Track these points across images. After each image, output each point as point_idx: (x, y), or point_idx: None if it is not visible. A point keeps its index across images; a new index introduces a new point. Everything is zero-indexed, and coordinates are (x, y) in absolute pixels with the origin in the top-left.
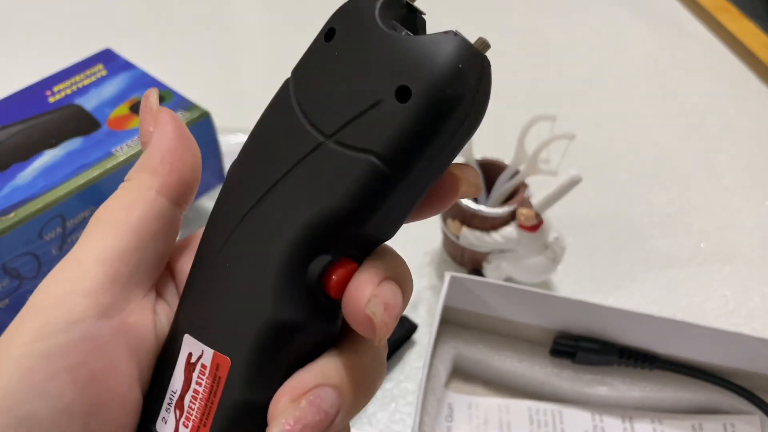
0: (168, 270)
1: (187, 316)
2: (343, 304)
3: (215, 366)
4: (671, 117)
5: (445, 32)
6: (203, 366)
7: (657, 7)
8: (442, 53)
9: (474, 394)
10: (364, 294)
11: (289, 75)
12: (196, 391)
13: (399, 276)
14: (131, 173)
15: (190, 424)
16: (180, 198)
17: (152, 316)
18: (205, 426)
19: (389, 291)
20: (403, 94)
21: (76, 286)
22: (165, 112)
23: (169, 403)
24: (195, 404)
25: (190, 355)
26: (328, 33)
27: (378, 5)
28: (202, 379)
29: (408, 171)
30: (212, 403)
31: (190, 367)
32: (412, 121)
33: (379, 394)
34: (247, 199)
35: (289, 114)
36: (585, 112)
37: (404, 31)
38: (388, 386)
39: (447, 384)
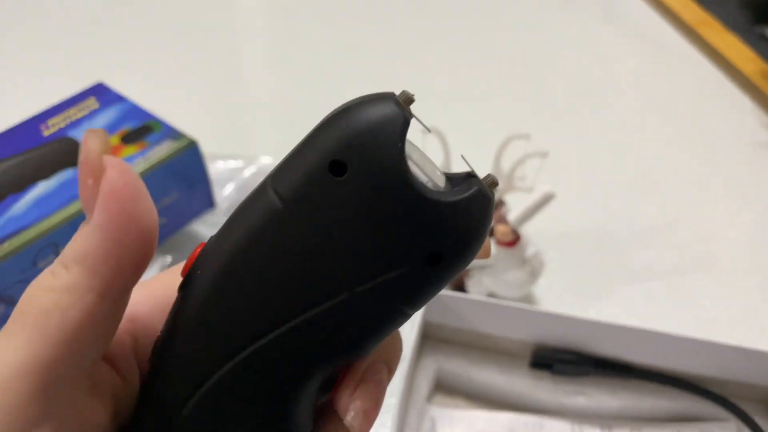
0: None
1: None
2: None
3: None
4: (652, 131)
5: (468, 180)
6: None
7: (638, 23)
8: (473, 220)
9: (456, 407)
10: (345, 404)
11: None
12: None
13: (385, 354)
14: (66, 255)
15: None
16: (127, 290)
17: (97, 409)
18: None
19: (368, 391)
20: (435, 259)
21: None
22: (111, 169)
23: None
24: None
25: None
26: (334, 165)
27: (402, 150)
28: None
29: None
30: None
31: None
32: (441, 281)
33: None
34: (257, 325)
35: (288, 252)
36: (568, 127)
37: (426, 179)
38: None
39: (429, 398)
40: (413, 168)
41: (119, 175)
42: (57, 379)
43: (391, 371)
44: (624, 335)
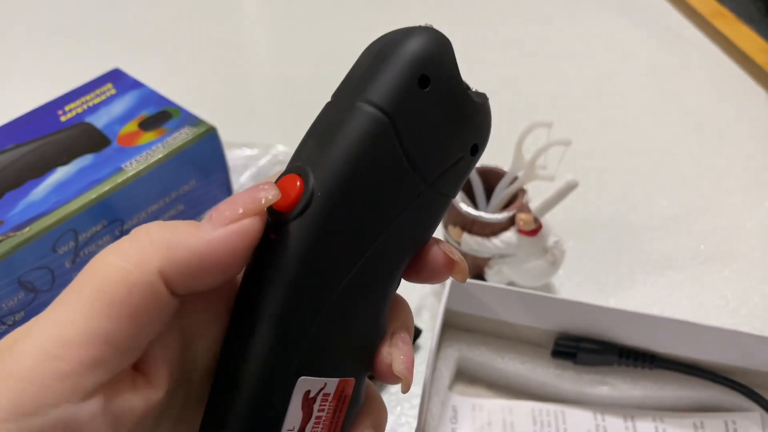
0: None
1: (291, 361)
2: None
3: (340, 390)
4: (670, 121)
5: (480, 94)
6: (325, 395)
7: (653, 14)
8: (488, 117)
9: (478, 396)
10: (390, 359)
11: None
12: (318, 418)
13: (406, 323)
14: (156, 233)
15: None
16: (184, 293)
17: (143, 400)
18: None
19: (406, 350)
20: (474, 150)
21: (55, 364)
22: (251, 224)
23: None
24: (318, 428)
25: (307, 392)
26: (422, 79)
27: (457, 66)
28: (324, 406)
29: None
30: (338, 418)
31: (308, 402)
32: (471, 169)
33: (385, 398)
34: (359, 242)
35: (395, 159)
36: (585, 118)
37: (470, 89)
38: (393, 390)
39: (451, 387)
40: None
41: (255, 229)
42: (111, 354)
43: (411, 337)
44: (647, 324)
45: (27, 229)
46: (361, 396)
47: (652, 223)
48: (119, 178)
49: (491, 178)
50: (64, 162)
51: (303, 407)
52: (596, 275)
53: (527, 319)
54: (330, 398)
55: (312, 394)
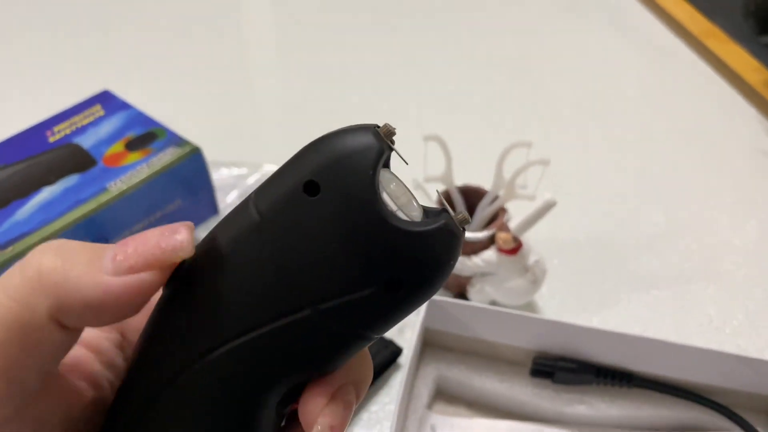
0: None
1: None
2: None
3: None
4: (657, 139)
5: (440, 214)
6: None
7: (644, 33)
8: (436, 252)
9: (457, 415)
10: (313, 417)
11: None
12: None
13: (355, 377)
14: (50, 267)
15: None
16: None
17: (59, 409)
18: None
19: (337, 410)
20: (395, 285)
21: None
22: (151, 280)
23: None
24: None
25: None
26: (308, 186)
27: (373, 177)
28: None
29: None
30: None
31: None
32: (402, 309)
33: (364, 416)
34: (215, 335)
35: (262, 269)
36: (572, 135)
37: (396, 209)
38: (374, 408)
39: (430, 405)
40: (385, 197)
41: (153, 286)
42: (22, 383)
43: (359, 395)
44: (625, 343)
45: (10, 248)
46: None
47: (637, 241)
48: (104, 198)
49: (473, 196)
50: (51, 182)
51: None
52: (580, 293)
53: (506, 337)
54: None
55: None
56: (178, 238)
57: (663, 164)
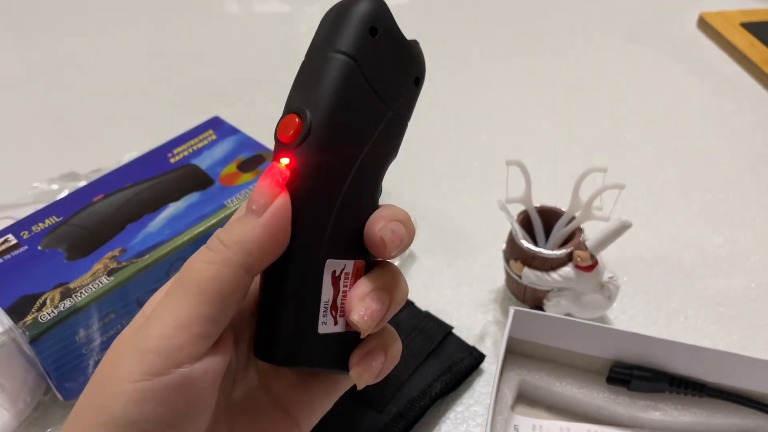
0: None
1: (317, 251)
2: (365, 231)
3: (356, 270)
4: (722, 164)
5: (413, 41)
6: (346, 273)
7: (706, 61)
8: (422, 57)
9: (538, 417)
10: (377, 224)
11: None
12: (344, 292)
13: (402, 217)
14: (226, 237)
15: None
16: (258, 272)
17: (228, 353)
18: None
19: (396, 224)
20: (417, 81)
21: (174, 341)
22: (282, 201)
23: (324, 310)
24: (345, 299)
25: (333, 272)
26: (372, 30)
27: (393, 17)
28: (348, 281)
29: None
30: None
31: (335, 279)
32: (418, 95)
33: (451, 415)
34: (350, 156)
35: (365, 91)
36: (639, 160)
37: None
38: (459, 409)
39: (513, 407)
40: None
41: (286, 209)
42: (213, 330)
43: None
44: (698, 355)
45: (147, 256)
46: None
47: (703, 261)
48: (223, 213)
49: (550, 217)
50: (176, 198)
51: (333, 284)
52: (649, 310)
53: (584, 347)
54: (350, 276)
55: (337, 273)
56: (274, 169)
57: (725, 188)
